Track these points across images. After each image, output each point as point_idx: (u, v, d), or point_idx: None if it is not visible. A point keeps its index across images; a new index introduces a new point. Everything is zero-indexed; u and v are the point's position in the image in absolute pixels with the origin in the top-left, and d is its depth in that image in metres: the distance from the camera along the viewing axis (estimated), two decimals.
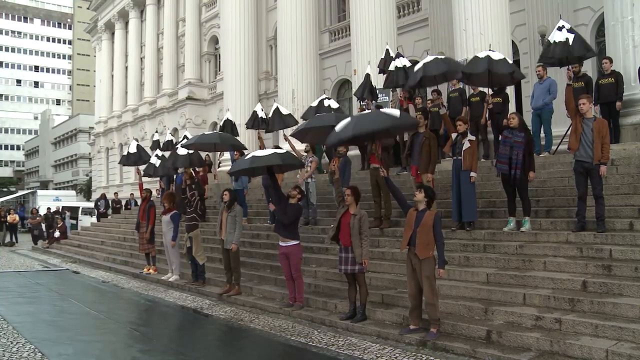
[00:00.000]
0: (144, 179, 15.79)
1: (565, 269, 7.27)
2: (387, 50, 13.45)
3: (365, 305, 7.60)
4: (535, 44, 15.73)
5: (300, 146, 13.25)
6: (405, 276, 7.06)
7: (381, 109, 9.61)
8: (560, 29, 8.76)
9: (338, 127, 7.44)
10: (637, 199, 8.38)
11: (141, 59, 39.00)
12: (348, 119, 7.55)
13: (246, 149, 13.45)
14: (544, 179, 9.89)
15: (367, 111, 10.39)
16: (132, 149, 16.61)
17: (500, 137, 9.37)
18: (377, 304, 7.90)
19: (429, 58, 9.20)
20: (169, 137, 19.65)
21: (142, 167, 15.94)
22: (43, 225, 25.73)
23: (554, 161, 10.62)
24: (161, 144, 18.67)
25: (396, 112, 7.84)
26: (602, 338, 5.69)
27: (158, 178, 17.78)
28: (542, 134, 11.34)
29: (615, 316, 6.02)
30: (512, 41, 14.06)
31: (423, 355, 6.19)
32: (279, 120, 13.77)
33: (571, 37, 8.61)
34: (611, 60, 10.67)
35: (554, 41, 8.74)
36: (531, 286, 7.14)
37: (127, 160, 16.53)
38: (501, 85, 10.90)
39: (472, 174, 8.84)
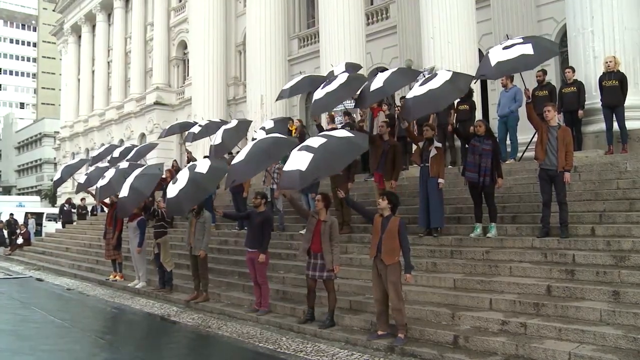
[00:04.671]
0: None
1: (530, 274, 7.40)
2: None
3: (333, 312, 7.60)
4: None
5: None
6: None
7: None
8: (507, 47, 7.70)
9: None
10: (598, 205, 8.58)
11: (108, 62, 38.46)
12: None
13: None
14: (509, 185, 10.05)
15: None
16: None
17: (467, 145, 9.48)
18: (345, 310, 7.92)
19: (387, 74, 8.96)
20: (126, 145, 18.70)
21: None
22: (5, 232, 25.15)
23: (520, 168, 10.81)
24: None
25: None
26: (565, 341, 5.81)
27: None
28: (508, 141, 11.54)
29: (578, 319, 6.16)
30: (479, 49, 14.30)
31: None
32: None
33: (528, 46, 7.53)
34: (574, 70, 10.93)
35: (499, 62, 7.63)
36: (497, 291, 7.24)
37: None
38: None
39: (440, 180, 8.93)
